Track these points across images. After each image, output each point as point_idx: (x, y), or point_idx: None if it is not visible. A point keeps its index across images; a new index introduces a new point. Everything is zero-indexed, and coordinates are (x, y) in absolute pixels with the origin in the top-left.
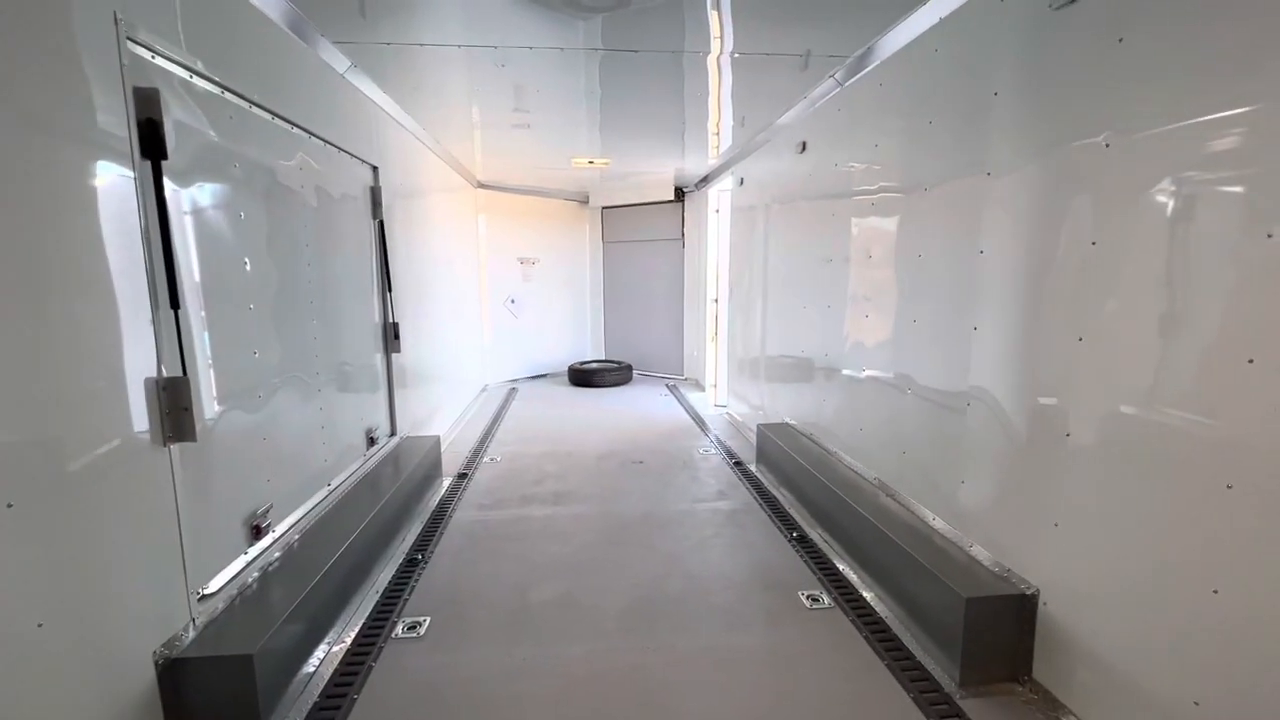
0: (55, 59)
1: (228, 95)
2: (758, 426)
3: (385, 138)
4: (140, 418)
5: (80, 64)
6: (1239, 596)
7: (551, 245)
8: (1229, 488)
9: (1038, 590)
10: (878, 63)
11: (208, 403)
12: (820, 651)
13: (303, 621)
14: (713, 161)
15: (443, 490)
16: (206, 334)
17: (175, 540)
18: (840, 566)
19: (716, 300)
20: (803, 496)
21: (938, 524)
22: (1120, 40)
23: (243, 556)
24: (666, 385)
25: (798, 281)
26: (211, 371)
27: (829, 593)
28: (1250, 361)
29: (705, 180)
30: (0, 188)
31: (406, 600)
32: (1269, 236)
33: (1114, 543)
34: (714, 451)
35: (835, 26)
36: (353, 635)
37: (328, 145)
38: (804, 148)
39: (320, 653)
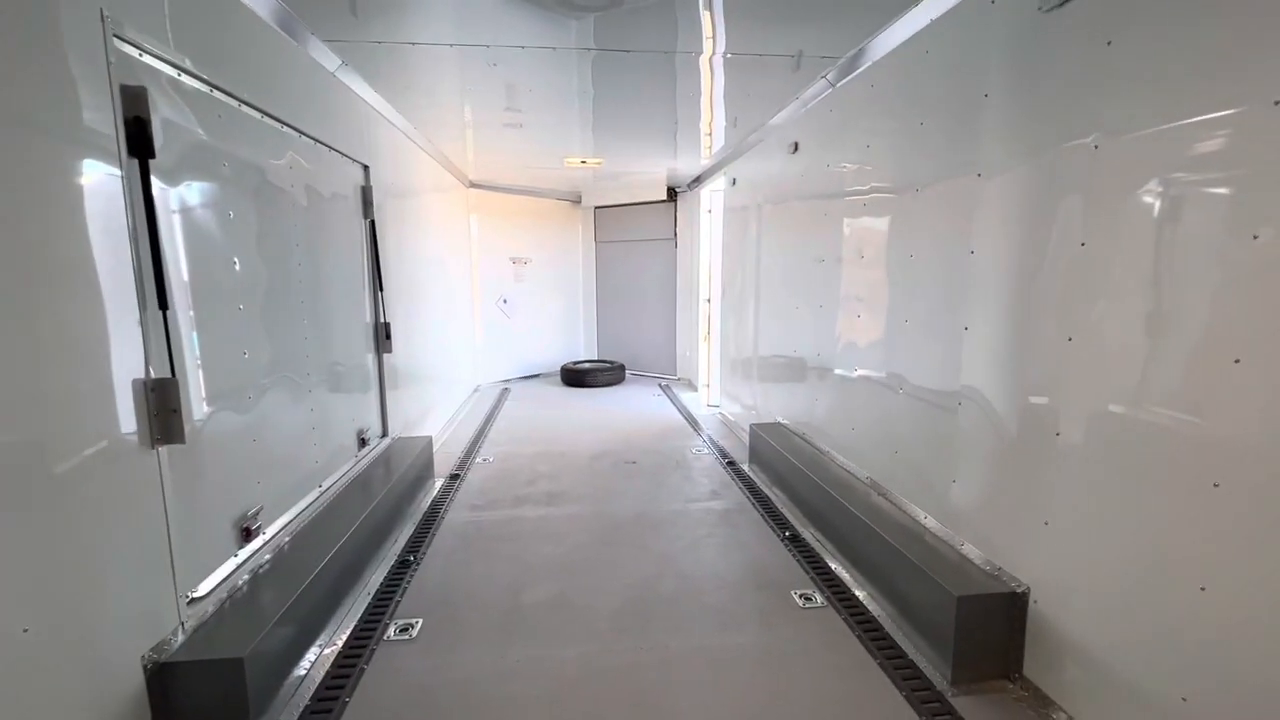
0: (41, 56)
1: (216, 94)
2: (750, 426)
3: (376, 137)
4: (128, 419)
5: (66, 61)
6: (1226, 594)
7: (544, 245)
8: (1216, 486)
9: (1028, 588)
10: (869, 64)
11: (196, 404)
12: (813, 650)
13: (294, 624)
14: (705, 162)
15: (435, 491)
16: (195, 335)
17: (164, 543)
18: (833, 565)
19: (709, 300)
20: (795, 496)
21: (929, 523)
22: (1109, 43)
23: (233, 559)
24: (659, 385)
25: (790, 282)
26: (200, 372)
27: (822, 592)
28: (1237, 361)
29: (698, 180)
30: None
31: (398, 602)
32: (1255, 238)
33: (1103, 541)
34: (707, 451)
35: (827, 27)
36: (344, 637)
37: (318, 144)
38: (796, 148)
39: (311, 655)
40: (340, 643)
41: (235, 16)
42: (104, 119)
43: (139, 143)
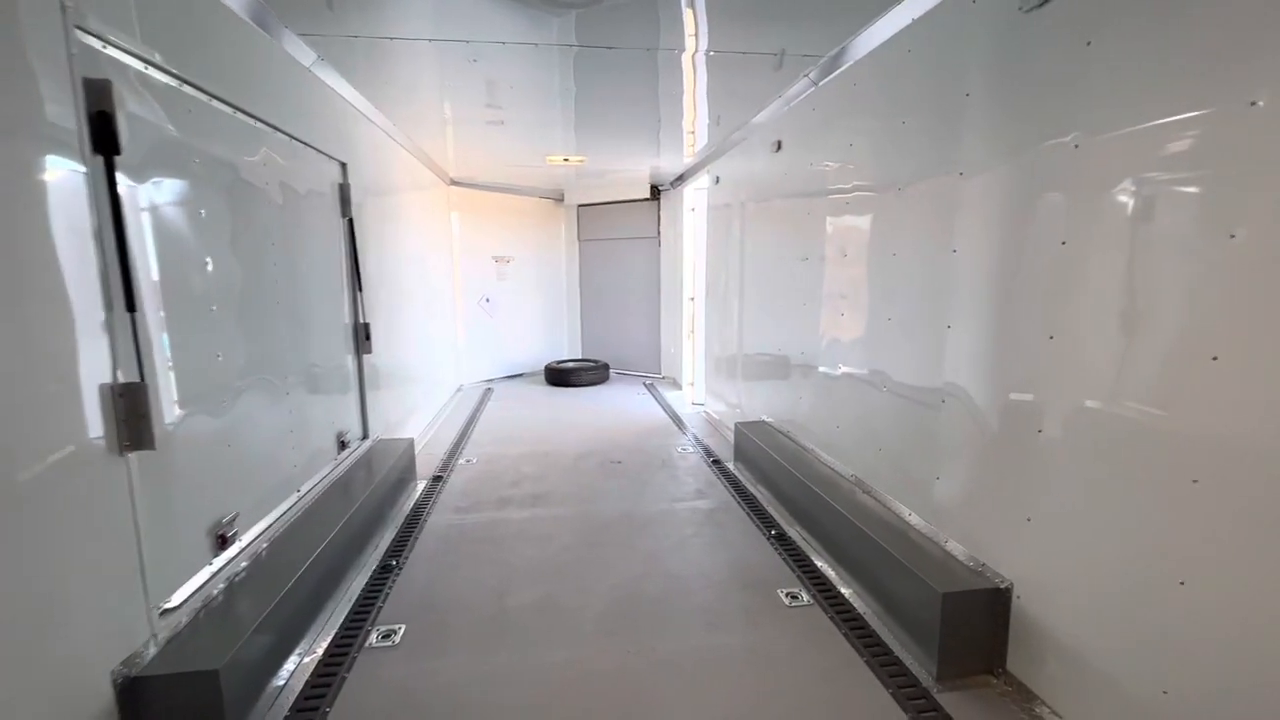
0: None
1: (186, 88)
2: (735, 425)
3: (354, 133)
4: (95, 425)
5: (25, 53)
6: (1205, 588)
7: (526, 243)
8: (1195, 482)
9: (1011, 584)
10: (851, 63)
11: (168, 408)
12: (800, 650)
13: (272, 633)
14: (688, 160)
15: (417, 494)
16: (166, 337)
17: (134, 553)
18: (818, 563)
19: (693, 299)
20: (780, 494)
21: (914, 520)
22: (1088, 43)
23: (208, 567)
24: (644, 384)
25: (774, 280)
26: (172, 376)
27: (808, 590)
28: (1214, 359)
29: (681, 179)
30: None
31: (380, 608)
32: (1231, 237)
33: (1085, 537)
34: (692, 450)
35: (809, 26)
36: (325, 645)
37: (293, 141)
38: (779, 147)
39: (291, 664)
40: (320, 651)
41: (205, 8)
42: (66, 114)
43: (103, 138)
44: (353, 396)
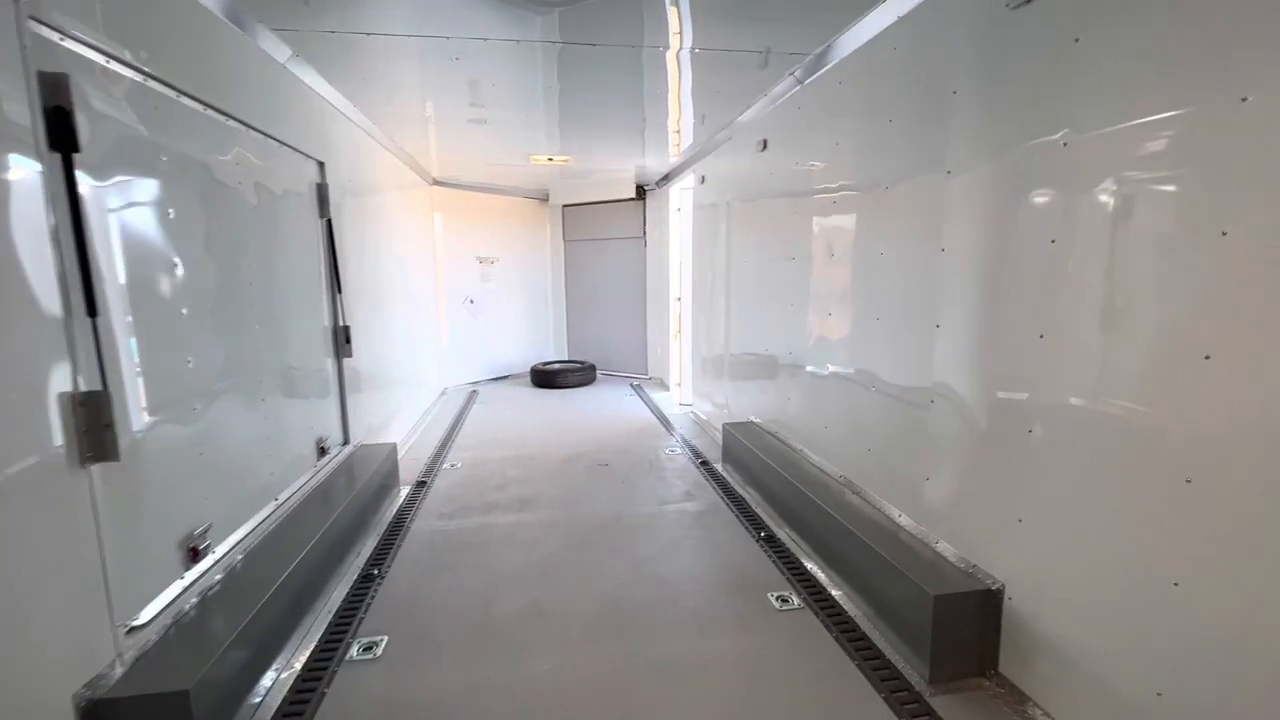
0: None
1: (152, 83)
2: (723, 426)
3: (332, 132)
4: (54, 436)
5: None
6: (1199, 588)
7: (511, 244)
8: (1188, 482)
9: (1003, 585)
10: (837, 61)
11: (135, 416)
12: (791, 654)
13: (247, 648)
14: (674, 159)
15: (400, 500)
16: (133, 342)
17: (97, 570)
18: (808, 565)
19: (679, 299)
20: (769, 495)
21: (903, 520)
22: (1076, 40)
23: (179, 582)
24: (631, 385)
25: (761, 280)
26: (141, 382)
27: (798, 593)
28: (1207, 358)
29: (666, 178)
30: None
31: (362, 619)
32: (1223, 234)
33: (1077, 538)
34: (680, 451)
35: (794, 24)
36: (303, 660)
37: (268, 139)
38: (765, 146)
39: (268, 680)
40: (298, 666)
41: (173, 1)
42: (19, 109)
43: (61, 135)
44: (333, 401)
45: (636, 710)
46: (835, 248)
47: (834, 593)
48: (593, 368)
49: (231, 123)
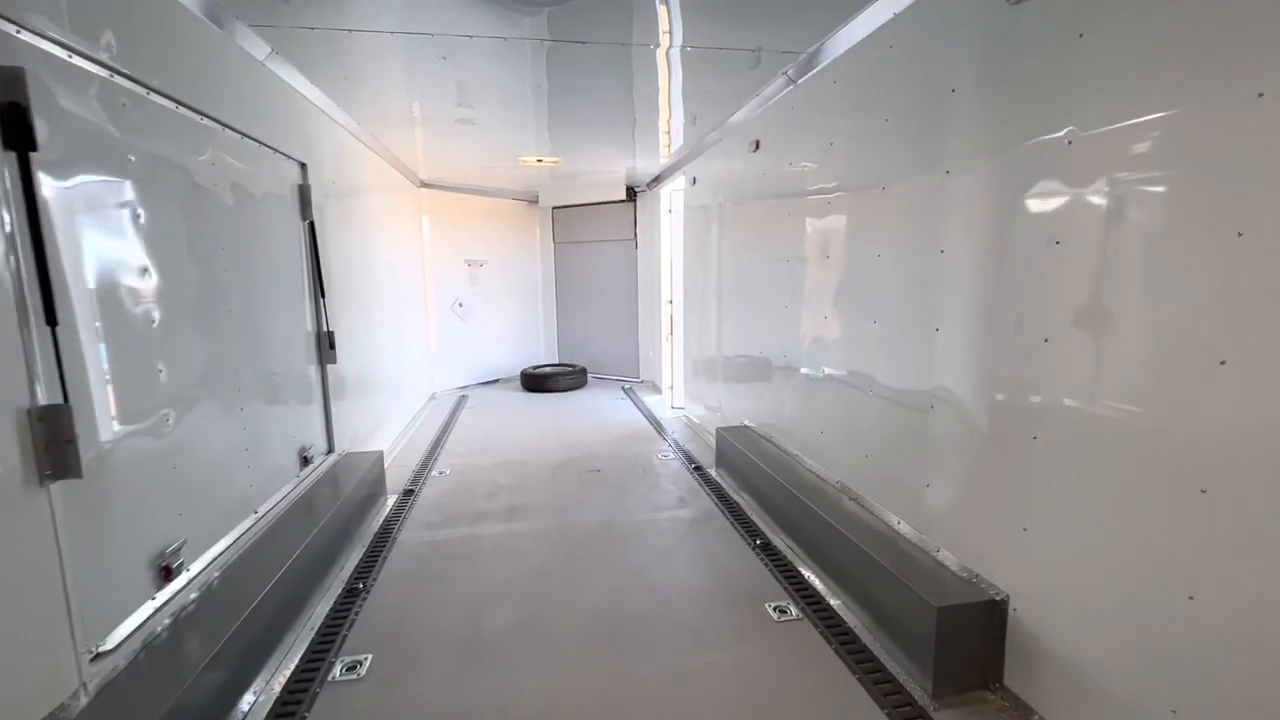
0: None
1: (119, 79)
2: (716, 430)
3: (315, 132)
4: (9, 454)
5: None
6: (1217, 603)
7: (500, 246)
8: (1203, 492)
9: (1007, 596)
10: (831, 60)
11: (102, 429)
12: (791, 668)
13: (223, 670)
14: (664, 161)
15: (387, 510)
16: (100, 351)
17: (59, 594)
18: (805, 573)
19: (671, 301)
20: (765, 501)
21: (903, 528)
22: (1081, 35)
23: (150, 603)
24: (622, 388)
25: (754, 282)
26: (108, 394)
27: (796, 603)
28: (1222, 363)
29: (657, 180)
30: None
31: (345, 636)
32: (1239, 235)
33: (1086, 548)
34: (673, 456)
35: (786, 23)
36: (283, 681)
37: (246, 139)
38: (757, 146)
39: (245, 704)
40: (278, 688)
41: None
42: None
43: (17, 132)
44: (316, 409)
45: None
46: (830, 249)
47: (833, 602)
48: (584, 371)
49: (206, 121)
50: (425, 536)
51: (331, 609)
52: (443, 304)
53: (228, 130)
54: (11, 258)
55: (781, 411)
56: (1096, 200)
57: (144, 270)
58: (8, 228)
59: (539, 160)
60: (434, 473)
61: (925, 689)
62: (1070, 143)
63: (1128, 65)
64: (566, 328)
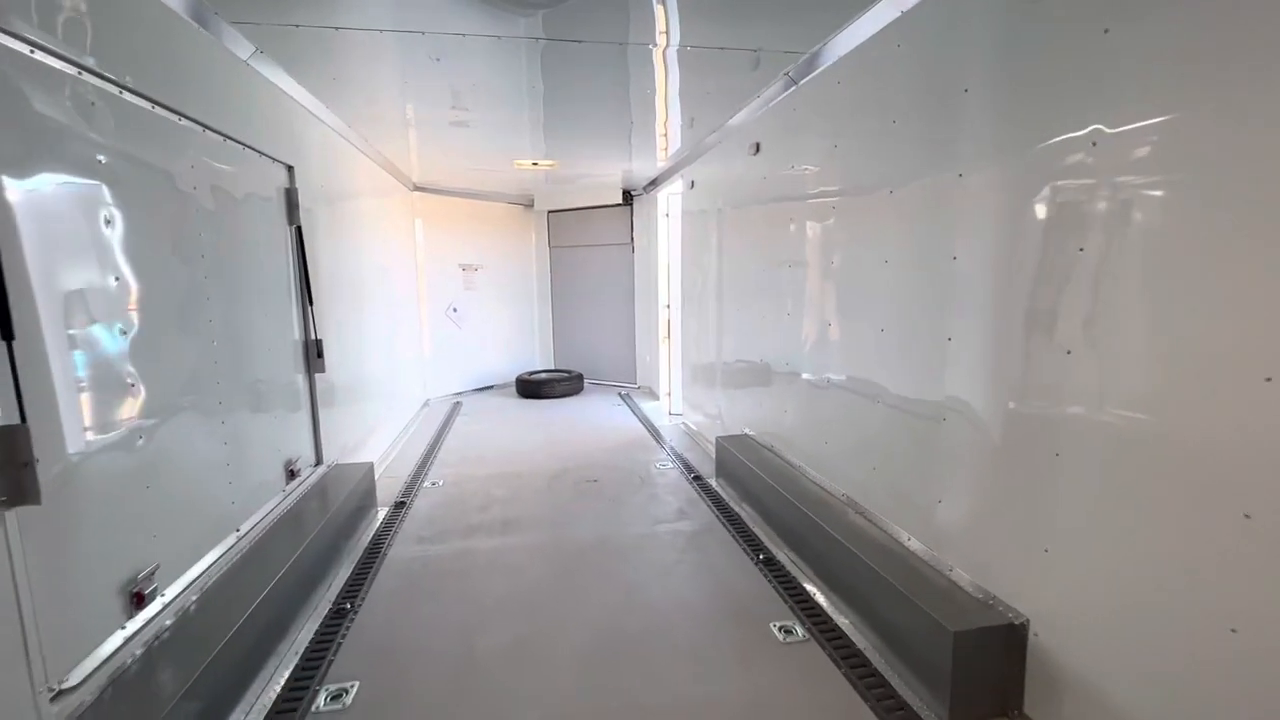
0: None
1: (87, 77)
2: (716, 439)
3: (303, 135)
4: None
5: None
6: (1265, 638)
7: (495, 251)
8: (1247, 517)
9: (1027, 619)
10: (834, 60)
11: (68, 448)
12: (799, 693)
13: (199, 702)
14: (661, 164)
15: (377, 523)
16: (63, 366)
17: (15, 628)
18: (809, 588)
19: (669, 306)
20: (767, 514)
21: (913, 544)
22: (1106, 31)
23: (119, 632)
24: (619, 394)
25: (755, 287)
26: (75, 411)
27: (802, 623)
28: (1268, 380)
29: (654, 183)
30: None
31: (331, 661)
32: None
33: (1112, 572)
34: (671, 465)
35: (788, 22)
36: (263, 713)
37: (228, 141)
38: (757, 149)
39: None
40: None
41: None
42: None
43: None
44: (304, 420)
45: None
46: (834, 254)
47: (840, 621)
48: (580, 377)
49: (185, 123)
50: (417, 551)
51: (317, 632)
52: (437, 309)
53: (209, 132)
54: None
55: (783, 420)
56: (1125, 204)
57: (116, 278)
58: None
59: (534, 164)
60: (426, 483)
61: (941, 717)
62: (1095, 144)
63: (1159, 61)
64: (562, 333)
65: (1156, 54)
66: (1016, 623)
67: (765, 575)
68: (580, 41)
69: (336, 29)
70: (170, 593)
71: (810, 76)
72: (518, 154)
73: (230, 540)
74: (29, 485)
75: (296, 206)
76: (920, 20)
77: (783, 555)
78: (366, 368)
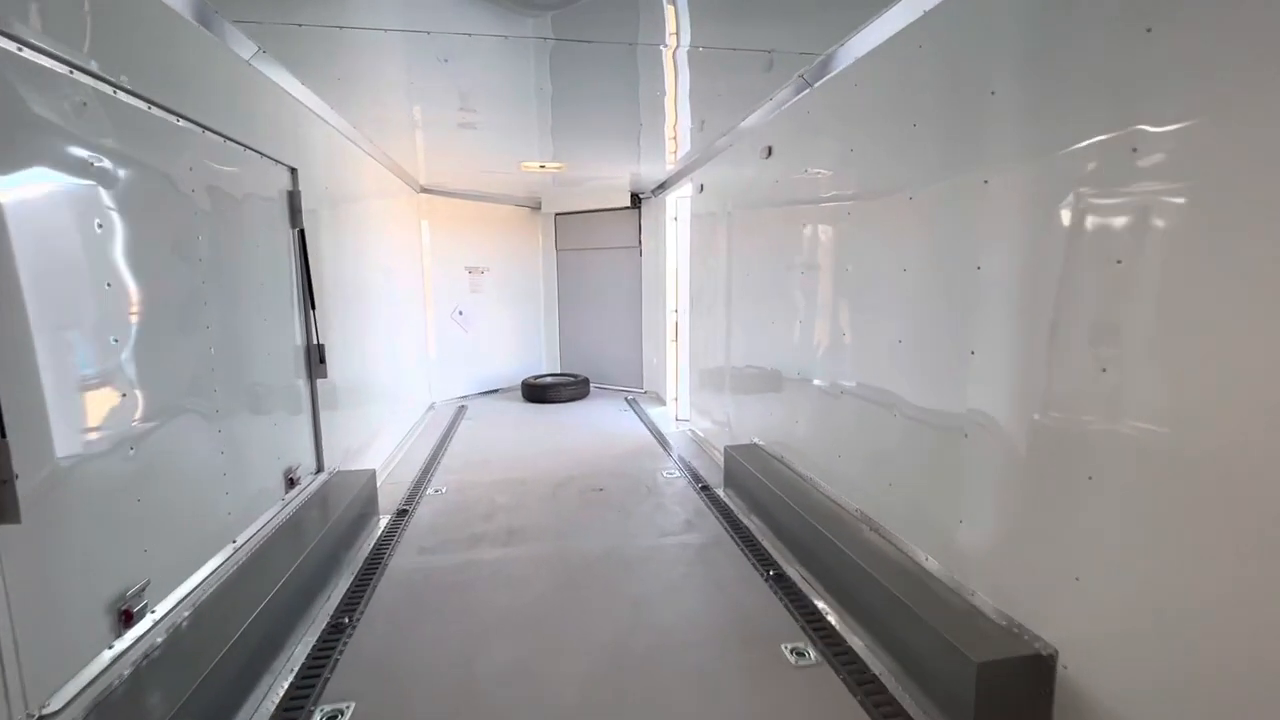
0: None
1: (80, 76)
2: (725, 449)
3: (306, 136)
4: None
5: None
6: None
7: (502, 253)
8: None
9: (1056, 651)
10: (851, 61)
11: (52, 462)
12: None
13: None
14: (670, 167)
15: (379, 531)
16: (52, 376)
17: None
18: (820, 605)
19: (676, 311)
20: (777, 527)
21: (931, 565)
22: (1149, 30)
23: (106, 652)
24: (626, 399)
25: (765, 295)
26: (61, 423)
27: (815, 645)
28: None
29: (663, 186)
30: None
31: (327, 680)
32: None
33: (1154, 607)
34: (678, 474)
35: (803, 23)
36: None
37: (229, 142)
38: (769, 153)
39: None
40: None
41: None
42: None
43: None
44: (305, 427)
45: None
46: (849, 261)
47: (854, 642)
48: (586, 381)
49: (184, 124)
50: (418, 562)
51: (314, 647)
52: (443, 312)
53: (208, 133)
54: None
55: (794, 430)
56: (1171, 213)
57: (106, 284)
58: None
59: (542, 166)
60: (430, 490)
61: None
62: (1135, 149)
63: (1206, 61)
64: (569, 337)
65: (1205, 52)
66: (1044, 653)
67: (775, 592)
68: (589, 42)
69: (340, 28)
70: (161, 609)
71: (826, 78)
72: (525, 156)
73: (226, 552)
74: (8, 504)
75: (299, 209)
76: (944, 21)
77: (793, 571)
78: (370, 372)
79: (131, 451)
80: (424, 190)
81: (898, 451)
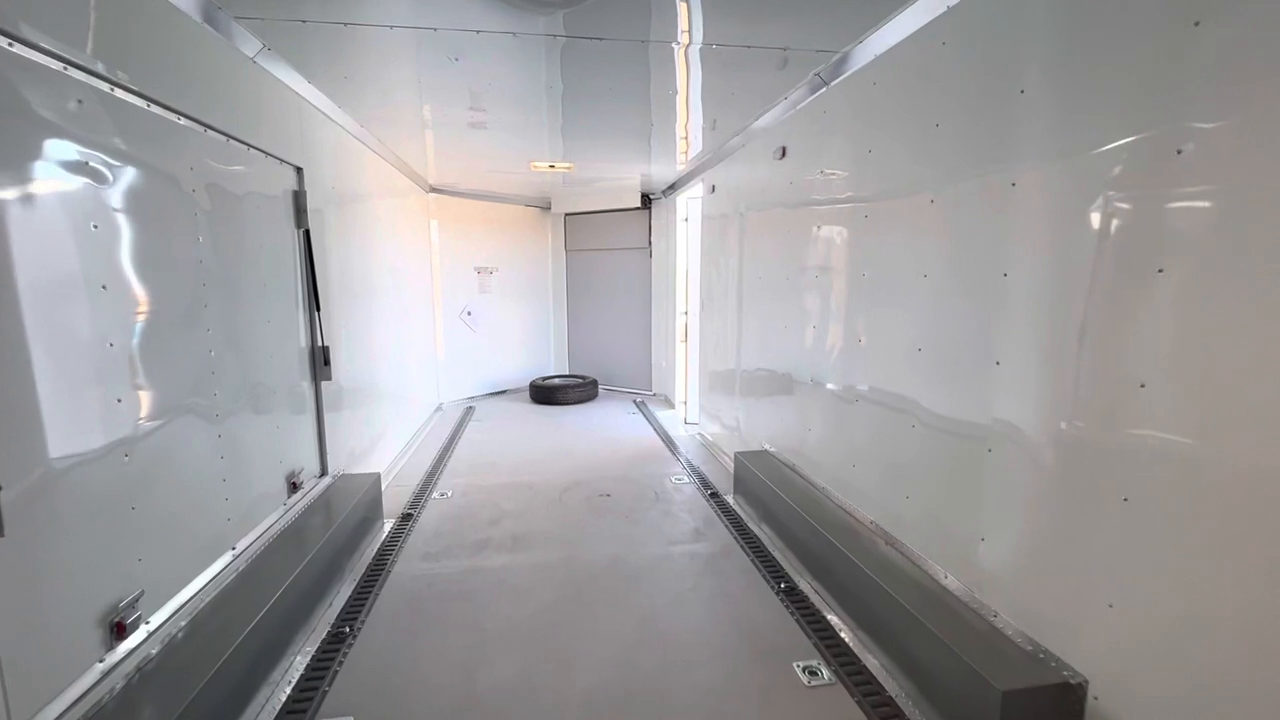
0: None
1: (74, 73)
2: (735, 455)
3: (313, 135)
4: None
5: None
6: None
7: (511, 253)
8: None
9: (1085, 680)
10: (870, 60)
11: (41, 471)
12: None
13: None
14: (681, 168)
15: (383, 536)
16: (42, 382)
17: None
18: (832, 620)
19: (686, 313)
20: (788, 537)
21: (950, 583)
22: (1196, 24)
23: (97, 666)
24: (634, 402)
25: (778, 296)
26: (51, 432)
27: (828, 664)
28: None
29: (673, 187)
30: None
31: (326, 693)
32: None
33: (1192, 638)
34: (687, 480)
35: (819, 20)
36: None
37: (232, 141)
38: (783, 154)
39: None
40: None
41: None
42: None
43: None
44: (308, 430)
45: None
46: (866, 265)
47: (869, 661)
48: (594, 383)
49: (184, 122)
50: (422, 569)
51: (314, 657)
52: (451, 312)
53: (210, 132)
54: None
55: (807, 438)
56: (1219, 218)
57: (102, 286)
58: None
59: (552, 166)
60: (435, 494)
61: None
62: (1180, 151)
63: (1261, 58)
64: (577, 338)
65: (1262, 46)
66: (1074, 682)
67: (786, 606)
68: (601, 39)
69: (346, 24)
70: (156, 620)
71: (843, 77)
72: (535, 156)
73: (225, 560)
74: None
75: (305, 209)
76: (970, 17)
77: (805, 584)
78: (376, 374)
79: (127, 458)
80: (433, 190)
81: (916, 463)
